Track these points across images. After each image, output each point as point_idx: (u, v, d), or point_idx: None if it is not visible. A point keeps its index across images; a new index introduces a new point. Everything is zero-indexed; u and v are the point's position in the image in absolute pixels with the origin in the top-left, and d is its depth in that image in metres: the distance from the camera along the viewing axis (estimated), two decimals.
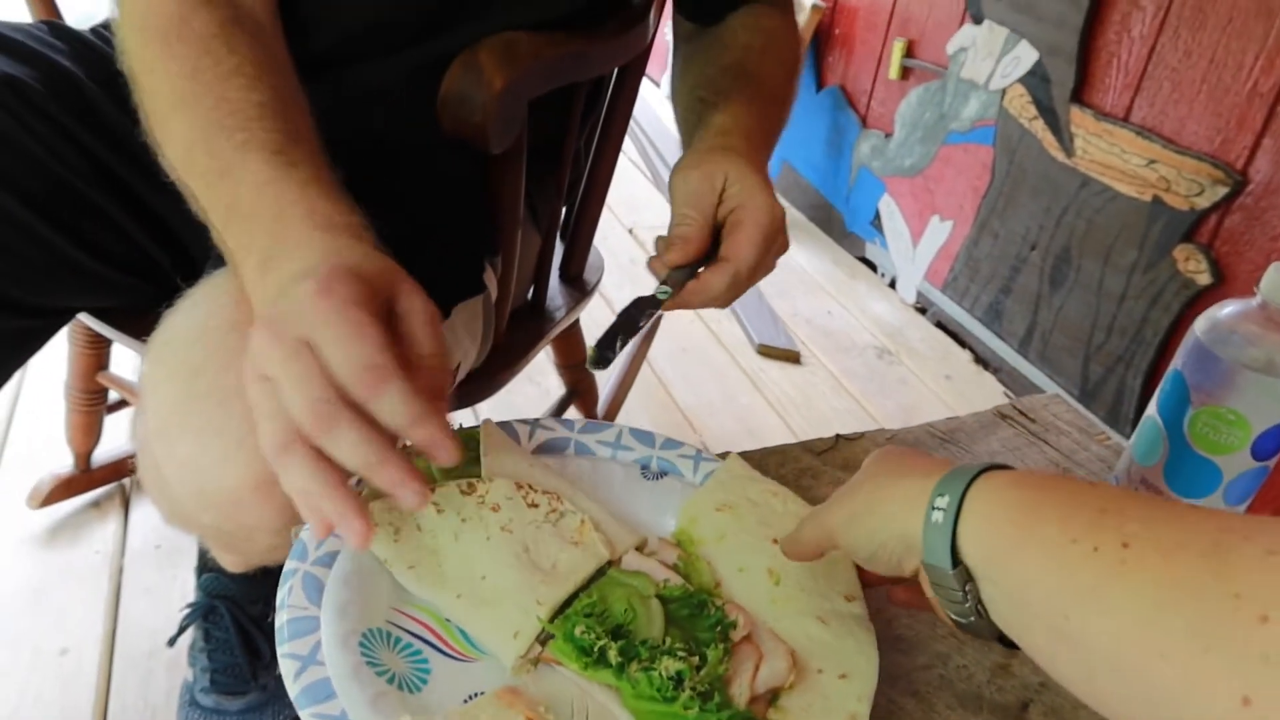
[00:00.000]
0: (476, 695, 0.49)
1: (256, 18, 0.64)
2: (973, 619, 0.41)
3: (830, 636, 0.53)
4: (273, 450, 0.45)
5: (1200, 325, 0.58)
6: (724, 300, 0.67)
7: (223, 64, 0.59)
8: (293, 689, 0.46)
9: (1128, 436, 0.81)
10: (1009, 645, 0.42)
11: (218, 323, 0.57)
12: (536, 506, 0.58)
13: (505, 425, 0.65)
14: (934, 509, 0.42)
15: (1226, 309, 0.58)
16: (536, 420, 0.66)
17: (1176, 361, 0.60)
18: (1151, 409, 0.62)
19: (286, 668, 0.47)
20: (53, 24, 0.88)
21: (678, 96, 0.84)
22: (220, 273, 0.61)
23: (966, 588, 0.41)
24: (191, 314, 0.60)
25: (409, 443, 0.46)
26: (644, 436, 0.66)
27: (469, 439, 0.62)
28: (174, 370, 0.58)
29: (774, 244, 0.67)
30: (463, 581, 0.53)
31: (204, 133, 0.57)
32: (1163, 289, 1.61)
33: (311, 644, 0.48)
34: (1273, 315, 0.56)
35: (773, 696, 0.50)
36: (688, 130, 0.78)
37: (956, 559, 0.41)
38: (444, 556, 0.54)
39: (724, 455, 0.67)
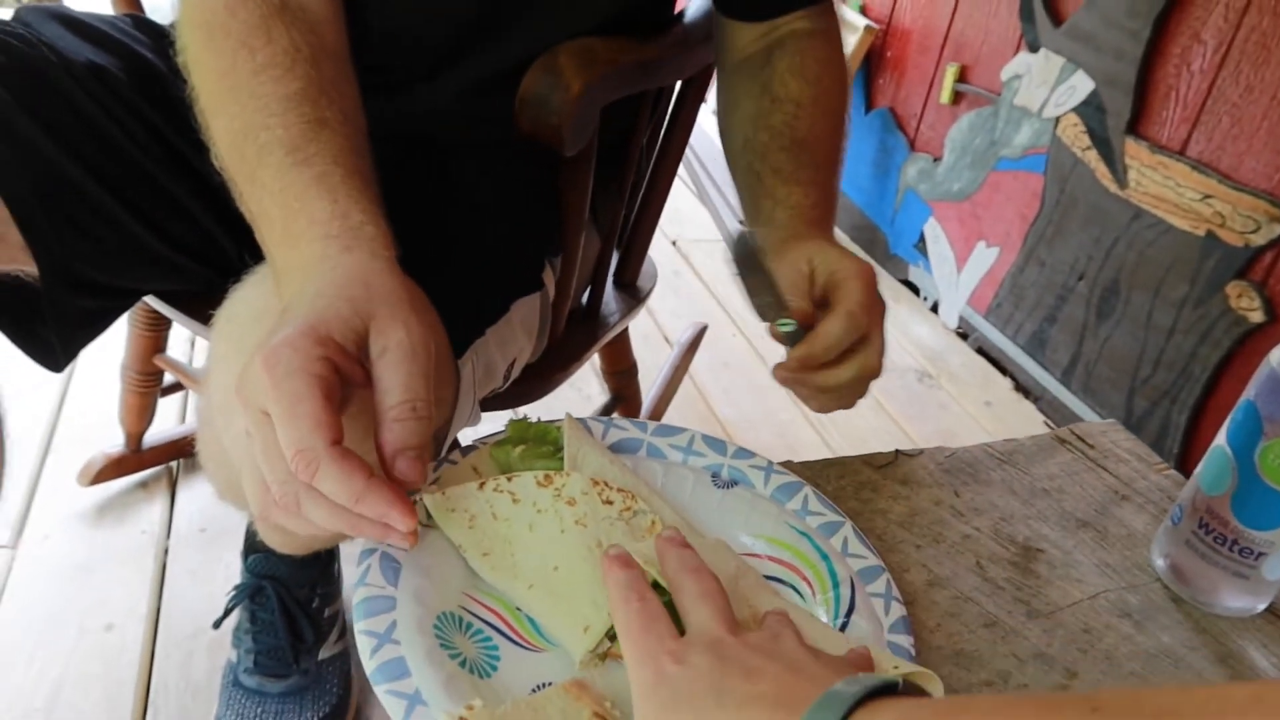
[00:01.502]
0: (544, 685, 0.49)
1: (309, 10, 0.64)
2: None
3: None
4: (259, 511, 0.48)
5: (1276, 356, 0.58)
6: (846, 365, 0.68)
7: (258, 56, 0.59)
8: (369, 665, 0.47)
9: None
10: None
11: (276, 304, 0.58)
12: (611, 504, 0.58)
13: (580, 422, 0.66)
14: None
15: None
16: (611, 419, 0.67)
17: (1249, 391, 0.59)
18: (1221, 438, 0.61)
19: (363, 644, 0.47)
20: (136, 17, 0.90)
21: (730, 149, 0.82)
22: None
23: None
24: (255, 291, 0.62)
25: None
26: (716, 444, 0.67)
27: (545, 432, 0.63)
28: (237, 346, 0.60)
29: (874, 287, 0.69)
30: (535, 572, 0.54)
31: (238, 133, 0.58)
32: (1213, 325, 1.59)
33: (387, 623, 0.48)
34: None
35: None
36: (746, 201, 0.79)
37: None
38: (518, 546, 0.55)
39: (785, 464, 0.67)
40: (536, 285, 0.82)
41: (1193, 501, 0.64)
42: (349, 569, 1.13)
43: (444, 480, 0.59)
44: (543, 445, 0.65)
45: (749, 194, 0.78)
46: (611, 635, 0.51)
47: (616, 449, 0.66)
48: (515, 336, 0.80)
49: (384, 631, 0.48)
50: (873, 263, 2.45)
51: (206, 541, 1.31)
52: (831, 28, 0.83)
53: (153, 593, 1.23)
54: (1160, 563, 0.67)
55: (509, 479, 0.59)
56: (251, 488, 0.48)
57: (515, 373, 0.86)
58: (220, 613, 1.05)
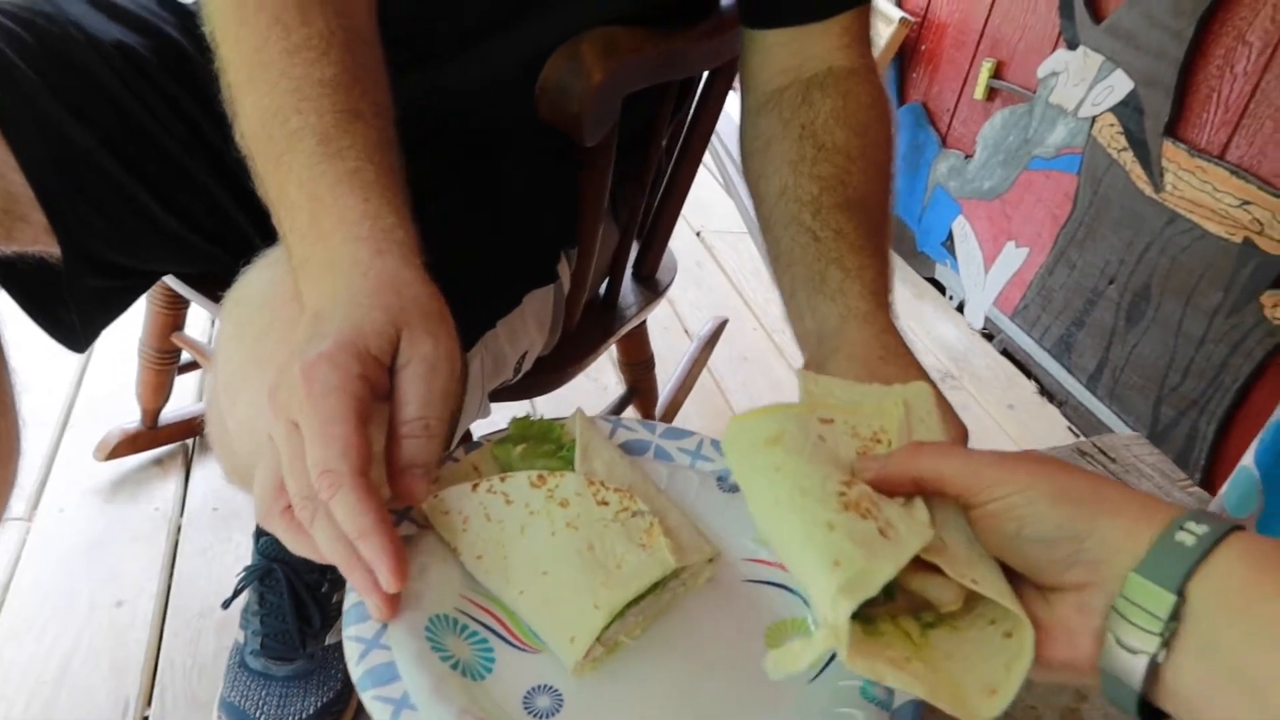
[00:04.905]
0: (540, 687, 0.48)
1: None
2: (1133, 666, 0.37)
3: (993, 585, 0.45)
4: (260, 516, 0.48)
5: None
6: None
7: (292, 35, 0.58)
8: (355, 671, 0.46)
9: (1196, 484, 0.78)
10: (1149, 713, 0.38)
11: (284, 288, 0.58)
12: (606, 504, 0.57)
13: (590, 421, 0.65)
14: (1182, 529, 0.37)
15: None
16: (619, 420, 0.65)
17: (1278, 414, 0.57)
18: (1248, 459, 0.59)
19: (350, 650, 0.46)
20: None
21: (761, 191, 0.74)
22: None
23: (1169, 625, 0.36)
24: (263, 276, 0.61)
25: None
26: None
27: (548, 430, 0.62)
28: (242, 330, 0.60)
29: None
30: (526, 577, 0.52)
31: (267, 112, 0.56)
32: (1246, 335, 1.55)
33: (376, 628, 0.48)
34: None
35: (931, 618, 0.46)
36: (797, 256, 0.69)
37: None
38: (510, 549, 0.53)
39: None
40: (551, 277, 0.81)
41: None
42: None
43: (444, 479, 0.58)
44: (545, 444, 0.63)
45: (801, 251, 0.68)
46: (601, 640, 0.50)
47: (624, 449, 0.64)
48: (527, 329, 0.78)
49: (371, 637, 0.47)
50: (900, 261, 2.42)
51: (219, 521, 1.31)
52: (870, 65, 0.77)
53: (164, 570, 1.23)
54: None
55: (502, 479, 0.57)
56: (260, 489, 0.48)
57: (527, 365, 0.85)
58: (230, 593, 1.05)
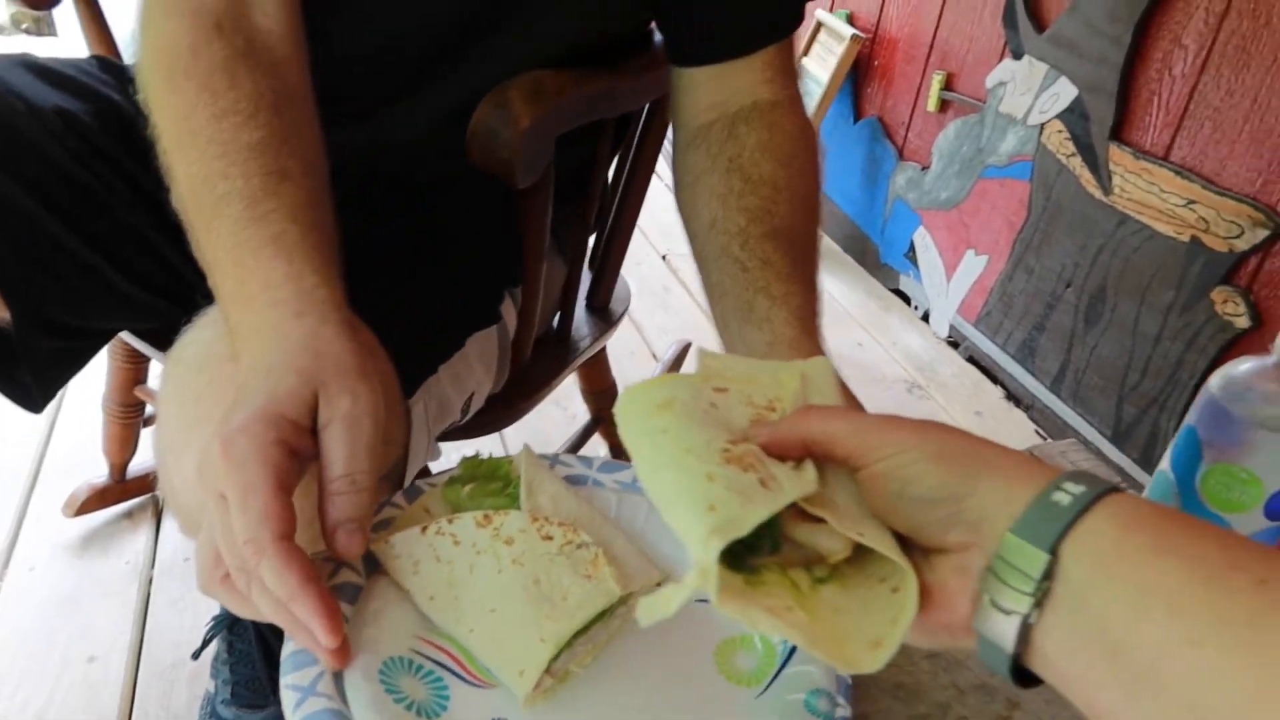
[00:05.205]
0: None
1: (273, 51, 0.64)
2: (1006, 628, 0.36)
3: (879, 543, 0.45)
4: (201, 584, 0.50)
5: (1215, 382, 0.57)
6: None
7: (220, 100, 0.59)
8: (293, 719, 0.47)
9: None
10: (1022, 677, 0.38)
11: (220, 348, 0.59)
12: (551, 539, 0.58)
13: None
14: (1059, 489, 0.36)
15: (1243, 366, 0.57)
16: (555, 455, 0.67)
17: (1190, 417, 0.59)
18: (1165, 463, 0.61)
19: (287, 700, 0.47)
20: (102, 59, 0.91)
21: (694, 226, 0.75)
22: None
23: (1041, 585, 0.35)
24: (199, 337, 0.62)
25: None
26: None
27: (496, 468, 0.63)
28: (181, 391, 0.61)
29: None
30: (476, 615, 0.54)
31: (196, 179, 0.58)
32: (1199, 331, 1.58)
33: (313, 675, 0.49)
34: None
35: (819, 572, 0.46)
36: (727, 288, 0.71)
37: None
38: (460, 589, 0.55)
39: None
40: (493, 318, 0.82)
41: None
42: None
43: (397, 523, 0.60)
44: (493, 482, 0.65)
45: (731, 282, 0.70)
46: (550, 671, 0.52)
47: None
48: (472, 371, 0.80)
49: (308, 685, 0.48)
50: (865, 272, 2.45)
51: (190, 570, 1.31)
52: (794, 96, 0.78)
53: (136, 623, 1.23)
54: None
55: (450, 521, 0.58)
56: (199, 560, 0.49)
57: (477, 404, 0.86)
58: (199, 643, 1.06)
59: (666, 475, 0.44)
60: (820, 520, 0.43)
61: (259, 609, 0.47)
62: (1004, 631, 0.37)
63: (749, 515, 0.40)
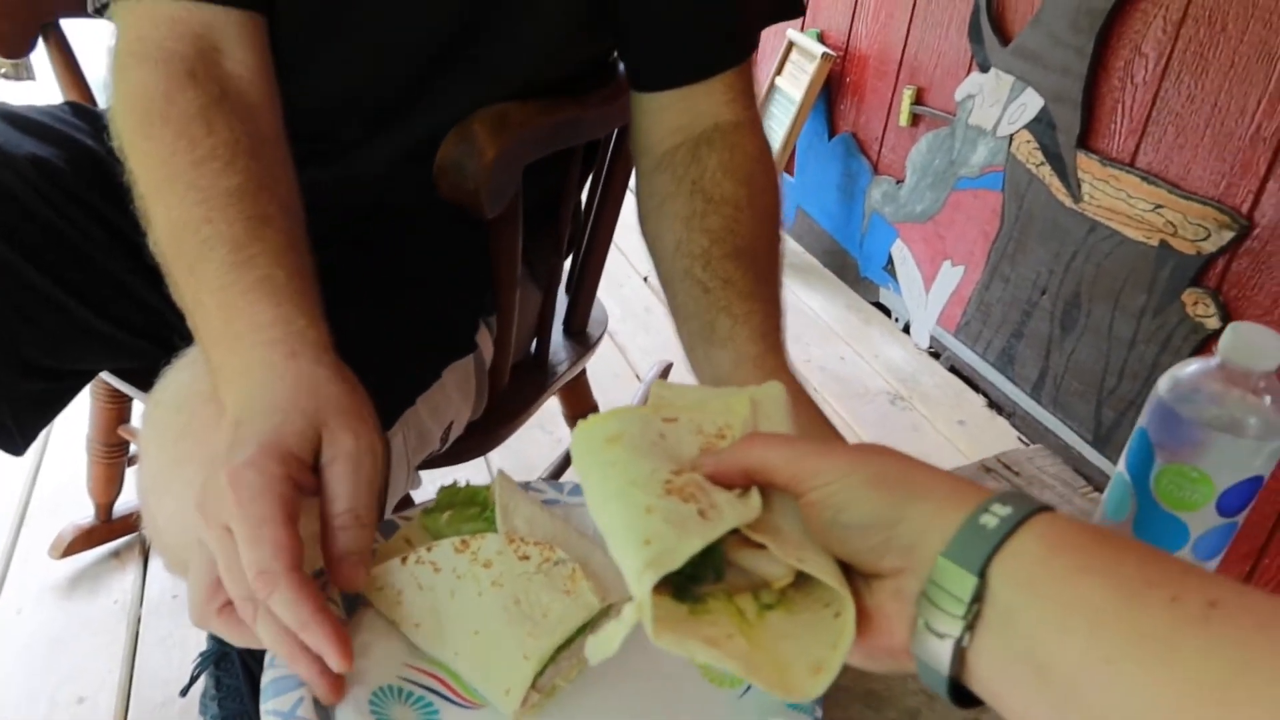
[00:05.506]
0: None
1: (246, 96, 0.65)
2: (940, 650, 0.37)
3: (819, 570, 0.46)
4: (195, 618, 0.50)
5: (1163, 384, 0.59)
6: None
7: (198, 148, 0.60)
8: None
9: None
10: (961, 698, 0.38)
11: (200, 388, 0.60)
12: (528, 558, 0.59)
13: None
14: (987, 511, 0.37)
15: (1189, 368, 0.59)
16: (528, 483, 0.68)
17: (1142, 420, 0.61)
18: (1120, 465, 0.63)
19: None
20: (75, 105, 0.92)
21: (659, 250, 0.76)
22: None
23: (971, 607, 0.36)
24: (179, 378, 0.63)
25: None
26: None
27: (474, 495, 0.64)
28: (162, 432, 0.62)
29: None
30: (459, 639, 0.55)
31: (177, 224, 0.59)
32: (1172, 333, 1.61)
33: (294, 700, 0.49)
34: (1233, 375, 0.57)
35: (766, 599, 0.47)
36: (691, 310, 0.71)
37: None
38: (443, 614, 0.56)
39: None
40: (469, 348, 0.84)
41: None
42: None
43: (378, 556, 0.61)
44: (470, 508, 0.66)
45: (694, 304, 0.70)
46: (536, 687, 0.53)
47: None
48: (450, 400, 0.81)
49: (289, 710, 0.49)
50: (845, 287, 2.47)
51: (178, 608, 1.31)
52: (754, 117, 0.79)
53: (125, 663, 1.23)
54: None
55: (429, 549, 0.60)
56: (194, 592, 0.50)
57: (456, 432, 0.87)
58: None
59: (612, 507, 0.45)
60: (764, 547, 0.44)
61: (260, 638, 0.47)
62: (939, 654, 0.37)
63: (682, 548, 0.41)
